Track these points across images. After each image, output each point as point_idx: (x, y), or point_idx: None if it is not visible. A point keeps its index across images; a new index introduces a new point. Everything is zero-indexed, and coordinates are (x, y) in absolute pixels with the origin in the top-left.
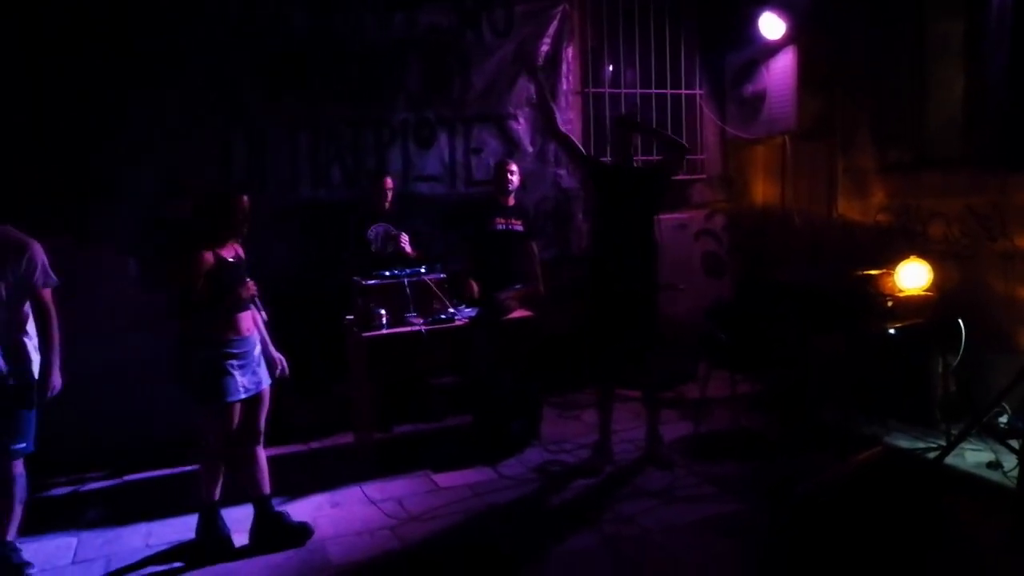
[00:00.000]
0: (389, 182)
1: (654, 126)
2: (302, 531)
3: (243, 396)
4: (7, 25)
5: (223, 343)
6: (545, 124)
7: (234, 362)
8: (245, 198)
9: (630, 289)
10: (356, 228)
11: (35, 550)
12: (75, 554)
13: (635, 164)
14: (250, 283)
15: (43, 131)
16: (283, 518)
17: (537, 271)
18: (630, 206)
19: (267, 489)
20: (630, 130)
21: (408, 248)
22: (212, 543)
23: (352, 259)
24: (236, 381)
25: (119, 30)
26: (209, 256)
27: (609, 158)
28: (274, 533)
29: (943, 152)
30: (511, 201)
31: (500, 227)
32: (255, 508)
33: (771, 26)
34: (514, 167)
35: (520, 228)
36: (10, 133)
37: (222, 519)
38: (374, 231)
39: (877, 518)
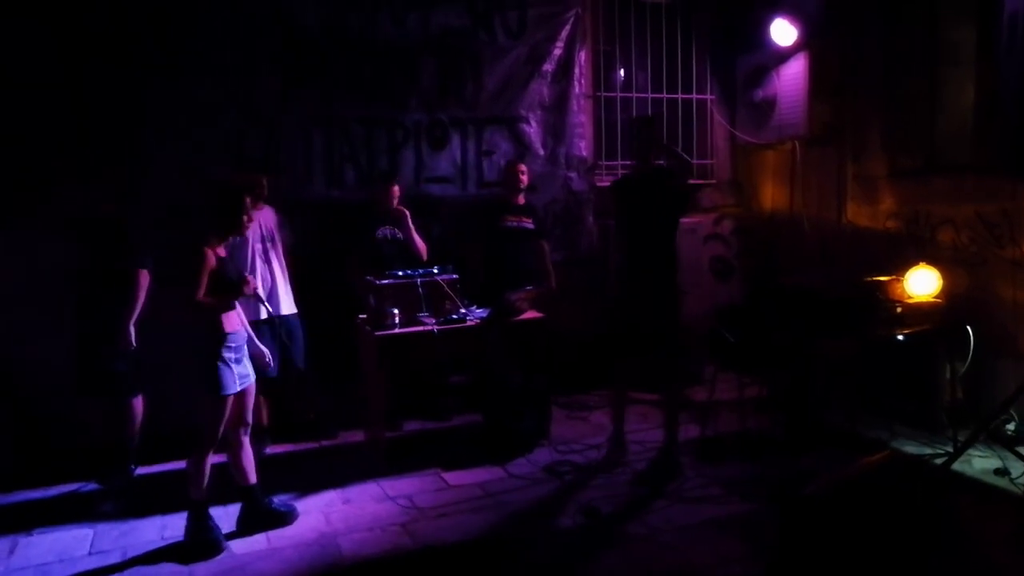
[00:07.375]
0: (396, 190)
1: (665, 133)
2: (286, 514)
3: (238, 389)
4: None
5: (223, 338)
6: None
7: (232, 355)
8: (248, 198)
9: (650, 296)
10: (364, 229)
11: (52, 541)
12: (91, 545)
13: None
14: (251, 279)
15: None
16: (269, 503)
17: (548, 267)
18: (647, 213)
19: (253, 479)
20: (649, 134)
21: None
22: (199, 544)
23: (358, 259)
24: (233, 374)
25: (145, 28)
26: (211, 257)
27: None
28: (259, 517)
29: (953, 159)
30: (520, 200)
31: (511, 224)
32: (242, 498)
33: (783, 32)
34: (524, 167)
35: (531, 226)
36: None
37: (212, 519)
38: (381, 232)
39: (883, 521)
